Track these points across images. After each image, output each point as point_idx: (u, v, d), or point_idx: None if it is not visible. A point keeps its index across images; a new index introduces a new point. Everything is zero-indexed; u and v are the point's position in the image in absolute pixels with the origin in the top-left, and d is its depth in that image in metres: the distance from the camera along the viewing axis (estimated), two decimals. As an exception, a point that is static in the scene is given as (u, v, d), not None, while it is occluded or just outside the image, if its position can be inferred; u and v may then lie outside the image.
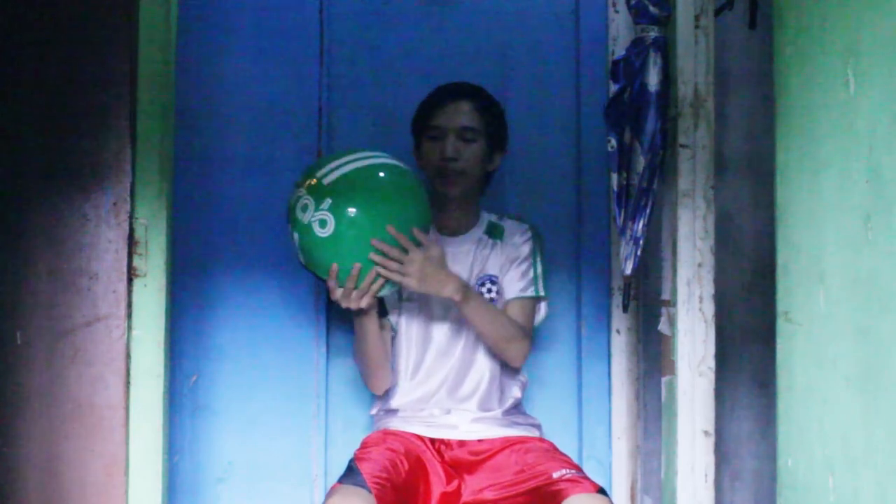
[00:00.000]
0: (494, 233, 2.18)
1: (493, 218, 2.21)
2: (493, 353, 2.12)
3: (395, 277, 1.94)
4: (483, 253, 2.16)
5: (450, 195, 2.12)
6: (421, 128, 2.15)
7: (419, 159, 2.16)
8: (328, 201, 1.90)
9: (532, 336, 2.15)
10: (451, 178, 2.10)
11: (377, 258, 1.91)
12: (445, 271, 2.00)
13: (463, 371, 2.13)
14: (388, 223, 1.91)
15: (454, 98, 2.12)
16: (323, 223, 1.90)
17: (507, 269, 2.15)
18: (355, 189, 1.92)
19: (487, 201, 2.24)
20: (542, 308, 2.19)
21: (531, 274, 2.15)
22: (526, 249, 2.16)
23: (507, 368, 2.16)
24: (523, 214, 2.26)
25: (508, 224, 2.20)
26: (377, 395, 2.18)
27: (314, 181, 1.93)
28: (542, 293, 2.16)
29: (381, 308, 2.12)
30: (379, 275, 1.93)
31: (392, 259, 1.92)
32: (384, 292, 2.00)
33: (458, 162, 2.09)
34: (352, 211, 1.89)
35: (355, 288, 1.94)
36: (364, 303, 1.97)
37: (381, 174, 1.96)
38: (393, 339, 2.16)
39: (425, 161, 2.14)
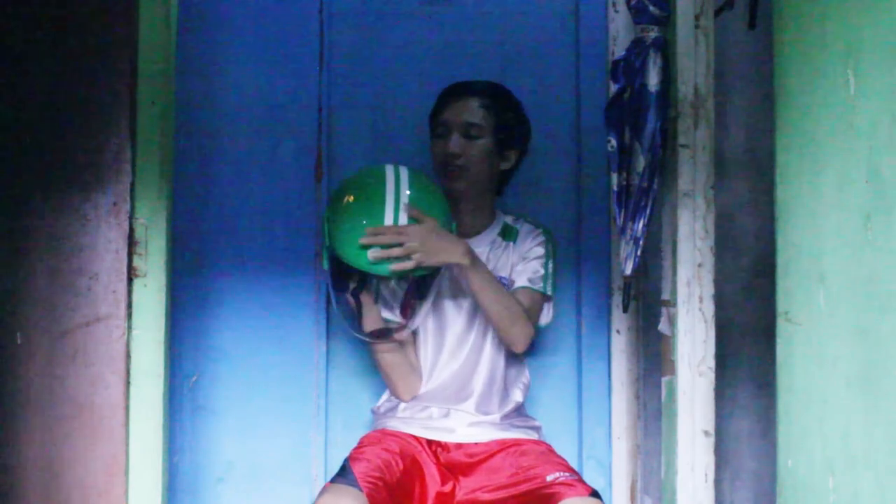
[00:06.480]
0: (508, 234, 2.19)
1: (509, 220, 2.21)
2: (497, 342, 2.11)
3: (399, 255, 1.94)
4: (496, 254, 2.16)
5: (454, 190, 2.12)
6: (431, 124, 2.18)
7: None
8: None
9: (536, 327, 2.14)
10: (454, 173, 2.11)
11: (376, 253, 1.94)
12: (449, 237, 2.00)
13: (468, 373, 2.12)
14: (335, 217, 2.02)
15: (460, 95, 2.14)
16: None
17: (518, 265, 2.15)
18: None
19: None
20: (549, 310, 2.17)
21: (542, 271, 2.14)
22: (539, 251, 2.16)
23: (510, 370, 2.16)
24: (539, 219, 2.25)
25: (523, 227, 2.19)
26: (401, 397, 2.17)
27: None
28: (549, 292, 2.15)
29: (384, 330, 2.13)
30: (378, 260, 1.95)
31: (390, 242, 1.94)
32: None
33: (461, 158, 2.10)
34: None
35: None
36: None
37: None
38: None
39: (433, 157, 2.15)
